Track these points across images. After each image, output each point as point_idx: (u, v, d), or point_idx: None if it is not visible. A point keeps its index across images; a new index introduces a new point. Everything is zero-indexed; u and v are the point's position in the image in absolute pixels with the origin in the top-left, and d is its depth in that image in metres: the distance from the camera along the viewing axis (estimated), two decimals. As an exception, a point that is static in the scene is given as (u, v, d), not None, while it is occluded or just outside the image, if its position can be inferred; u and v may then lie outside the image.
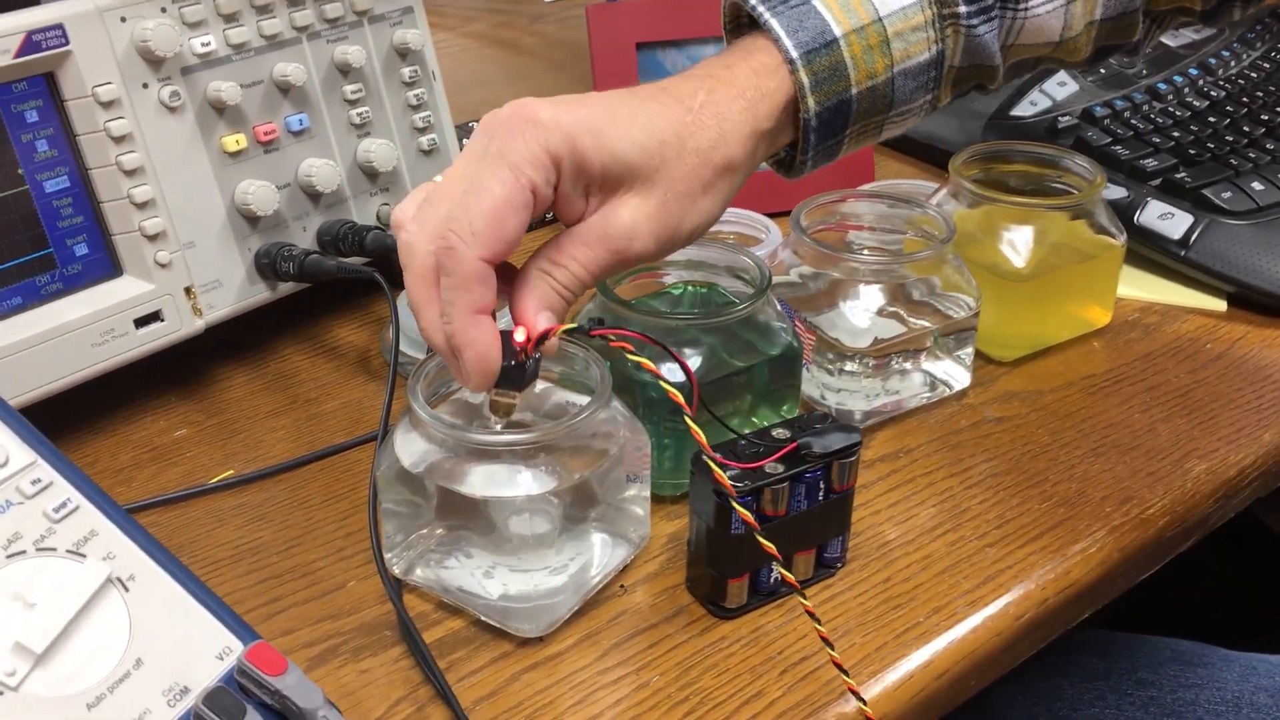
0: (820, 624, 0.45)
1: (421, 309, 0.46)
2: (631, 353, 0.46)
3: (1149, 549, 0.56)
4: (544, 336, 0.46)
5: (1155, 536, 0.56)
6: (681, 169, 0.48)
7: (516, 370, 0.47)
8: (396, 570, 0.52)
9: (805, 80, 0.50)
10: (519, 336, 0.46)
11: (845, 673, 0.45)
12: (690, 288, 0.63)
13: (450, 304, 0.45)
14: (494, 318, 0.46)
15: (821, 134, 0.51)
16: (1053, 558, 0.54)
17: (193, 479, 0.59)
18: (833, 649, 0.45)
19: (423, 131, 0.71)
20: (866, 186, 0.80)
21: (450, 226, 0.44)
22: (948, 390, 0.64)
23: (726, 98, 0.49)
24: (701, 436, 0.45)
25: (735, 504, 0.45)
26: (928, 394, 0.64)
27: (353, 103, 0.67)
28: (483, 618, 0.50)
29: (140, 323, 0.60)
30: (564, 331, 0.47)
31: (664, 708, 0.46)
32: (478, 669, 0.48)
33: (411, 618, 0.50)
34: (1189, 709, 0.67)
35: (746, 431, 0.53)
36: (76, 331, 0.57)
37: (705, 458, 0.45)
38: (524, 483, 0.48)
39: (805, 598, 0.45)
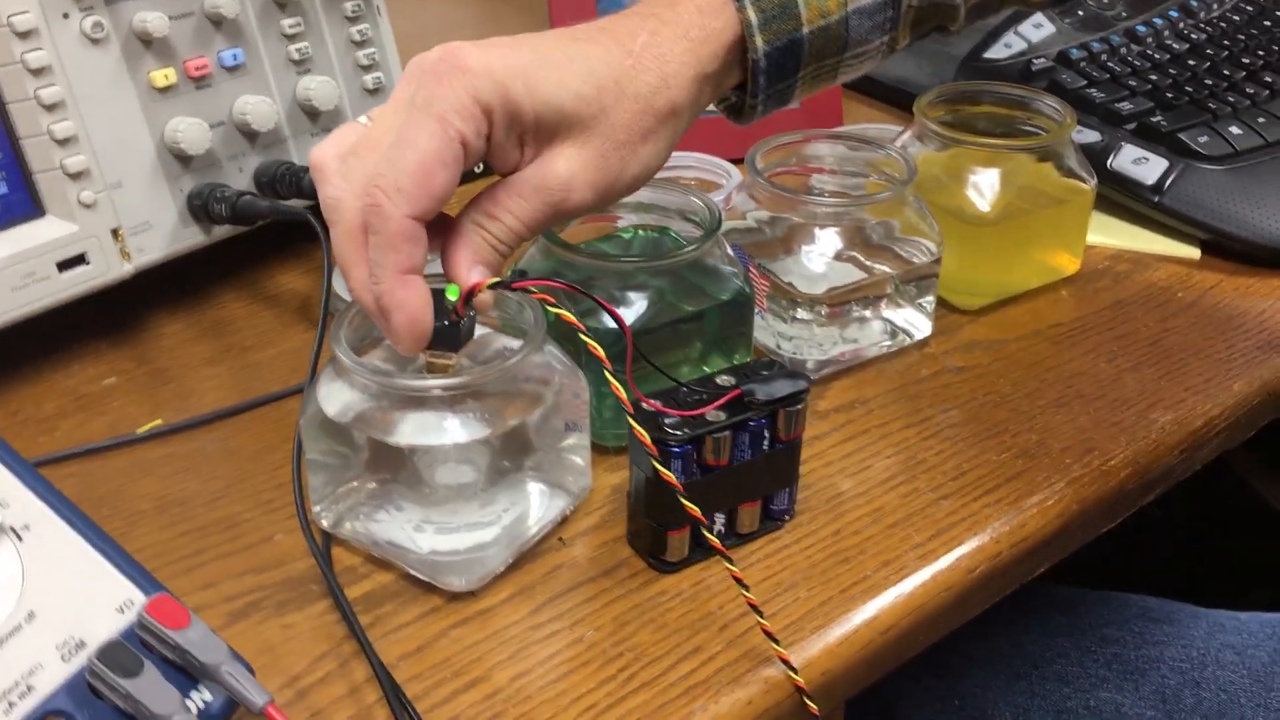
0: (748, 590, 0.43)
1: (349, 269, 0.44)
2: (552, 304, 0.44)
3: (1109, 501, 0.54)
4: (472, 293, 0.44)
5: (1116, 488, 0.54)
6: (621, 116, 0.45)
7: (450, 330, 0.45)
8: (325, 523, 0.50)
9: (753, 18, 0.47)
10: (451, 295, 0.44)
11: (776, 640, 0.44)
12: (641, 232, 0.61)
13: (378, 264, 0.42)
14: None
15: (771, 76, 0.49)
16: (1008, 510, 0.52)
17: (120, 429, 0.56)
18: (762, 616, 0.43)
19: (367, 69, 0.68)
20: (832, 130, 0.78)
21: (376, 183, 0.42)
22: (908, 339, 0.62)
23: (669, 39, 0.46)
24: (622, 392, 0.42)
25: (657, 464, 0.43)
26: (888, 343, 0.61)
27: (291, 38, 0.64)
28: (412, 572, 0.48)
29: (64, 266, 0.57)
30: (488, 285, 0.44)
31: (597, 664, 0.45)
32: (405, 624, 0.46)
33: (338, 572, 0.48)
34: (1153, 666, 0.66)
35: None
36: (-6, 274, 0.55)
37: (628, 416, 0.43)
38: (451, 430, 0.45)
39: (732, 563, 0.43)
